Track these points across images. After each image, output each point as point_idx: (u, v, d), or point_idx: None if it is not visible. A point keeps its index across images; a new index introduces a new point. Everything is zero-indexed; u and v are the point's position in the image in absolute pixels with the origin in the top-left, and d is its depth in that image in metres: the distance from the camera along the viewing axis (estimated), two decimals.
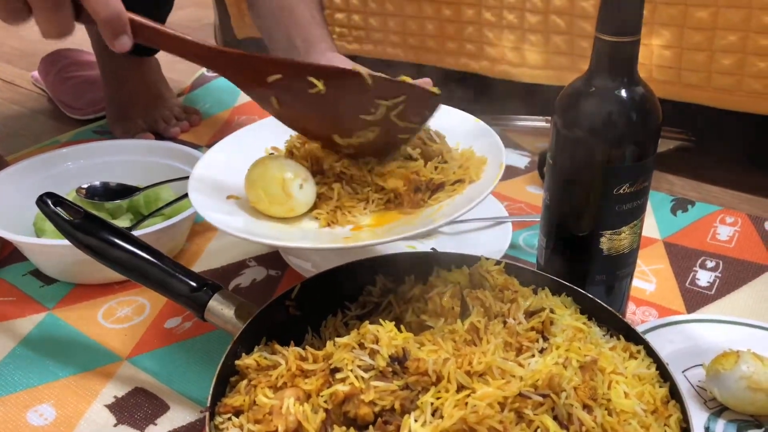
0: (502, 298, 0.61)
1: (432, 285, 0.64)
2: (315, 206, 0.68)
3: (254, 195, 0.67)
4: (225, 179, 0.71)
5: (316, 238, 0.65)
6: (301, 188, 0.66)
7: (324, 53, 0.93)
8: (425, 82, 0.85)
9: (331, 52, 0.93)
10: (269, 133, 0.76)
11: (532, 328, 0.57)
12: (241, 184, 0.69)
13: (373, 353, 0.52)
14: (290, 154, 0.73)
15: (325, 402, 0.50)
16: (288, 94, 0.64)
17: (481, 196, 0.63)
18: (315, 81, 0.61)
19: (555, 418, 0.49)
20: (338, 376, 0.51)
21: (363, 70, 0.62)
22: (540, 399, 0.49)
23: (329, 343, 0.55)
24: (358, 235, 0.64)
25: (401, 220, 0.65)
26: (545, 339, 0.57)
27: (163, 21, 1.23)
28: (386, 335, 0.53)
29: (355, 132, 0.65)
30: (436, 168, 0.68)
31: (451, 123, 0.76)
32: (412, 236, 0.62)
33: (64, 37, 0.60)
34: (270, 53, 1.00)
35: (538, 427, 0.48)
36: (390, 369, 0.51)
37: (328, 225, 0.67)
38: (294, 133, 0.74)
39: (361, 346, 0.53)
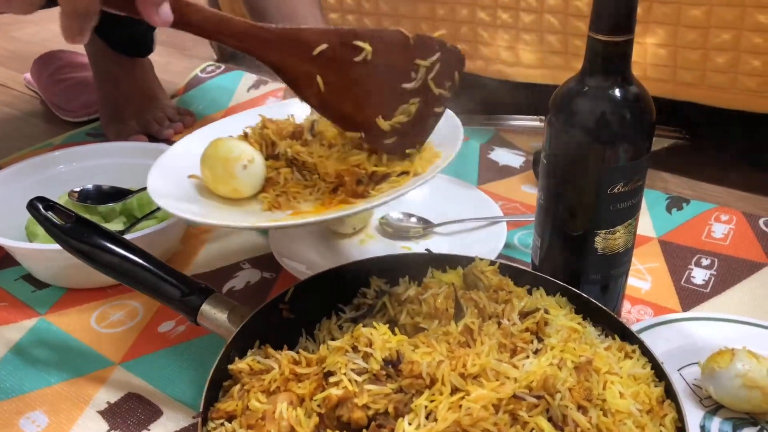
0: (496, 299, 0.61)
1: (426, 286, 0.63)
2: (263, 190, 0.69)
3: (203, 174, 0.69)
4: (189, 164, 0.71)
5: (249, 218, 0.66)
6: (245, 168, 0.67)
7: None
8: None
9: None
10: (242, 126, 0.77)
11: (527, 329, 0.57)
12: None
13: (366, 356, 0.52)
14: (244, 136, 0.73)
15: (319, 406, 0.50)
16: (333, 67, 0.61)
17: (417, 184, 0.63)
18: (362, 44, 0.60)
19: (550, 419, 0.49)
20: (331, 379, 0.51)
21: None
22: (534, 401, 0.48)
23: (323, 347, 0.55)
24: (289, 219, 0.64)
25: (342, 208, 0.64)
26: (540, 340, 0.57)
27: (153, 27, 1.22)
28: (380, 338, 0.53)
29: (397, 108, 0.64)
30: (381, 159, 0.67)
31: None
32: (331, 219, 0.64)
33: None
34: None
35: (533, 429, 0.48)
36: (384, 372, 0.51)
37: (270, 209, 0.67)
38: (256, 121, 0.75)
39: (355, 349, 0.52)
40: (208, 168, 0.68)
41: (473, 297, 0.59)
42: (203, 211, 0.66)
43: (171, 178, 0.70)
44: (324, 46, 0.60)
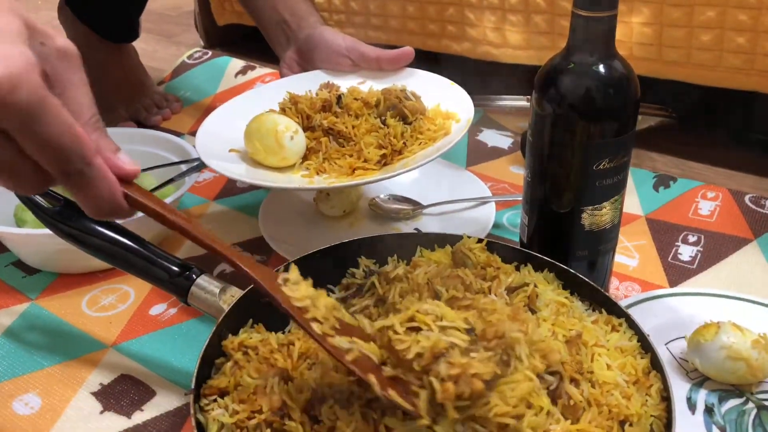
0: (484, 276, 0.61)
1: (415, 264, 0.64)
2: (305, 158, 0.79)
3: (252, 147, 0.77)
4: (227, 136, 0.81)
5: (299, 182, 0.75)
6: (292, 139, 0.76)
7: (315, 27, 0.94)
8: (405, 52, 0.87)
9: (322, 26, 0.95)
10: (267, 98, 0.88)
11: (520, 302, 0.57)
12: (240, 140, 0.80)
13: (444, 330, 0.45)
14: (283, 111, 0.83)
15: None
16: None
17: (450, 145, 0.74)
18: None
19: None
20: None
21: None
22: (552, 379, 0.48)
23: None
24: (339, 179, 0.74)
25: (376, 173, 0.75)
26: (533, 312, 0.57)
27: (141, 8, 1.21)
28: (448, 312, 0.47)
29: None
30: (403, 134, 0.79)
31: (426, 85, 0.87)
32: (382, 179, 0.73)
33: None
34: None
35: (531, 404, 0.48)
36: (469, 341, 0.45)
37: (317, 173, 0.77)
38: (286, 95, 0.87)
39: (417, 329, 0.46)
40: (258, 140, 0.76)
41: (459, 274, 0.59)
42: (267, 178, 0.75)
43: (217, 151, 0.79)
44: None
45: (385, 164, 0.77)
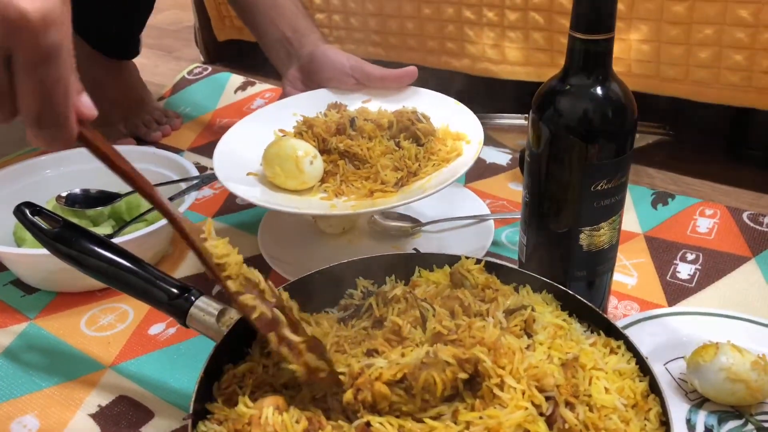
0: (483, 297, 0.61)
1: (414, 284, 0.64)
2: (323, 180, 0.81)
3: (271, 171, 0.79)
4: (243, 158, 0.84)
5: (320, 207, 0.77)
6: (312, 164, 0.79)
7: (318, 45, 0.95)
8: (409, 71, 0.89)
9: (325, 45, 0.97)
10: (276, 117, 0.91)
11: (516, 326, 0.57)
12: (256, 162, 0.82)
13: None
14: (300, 135, 0.85)
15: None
16: None
17: (466, 167, 0.78)
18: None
19: (540, 415, 0.49)
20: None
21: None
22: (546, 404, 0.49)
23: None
24: (360, 204, 0.76)
25: (395, 196, 0.77)
26: (529, 336, 0.57)
27: (143, 24, 1.22)
28: None
29: None
30: (417, 156, 0.82)
31: (432, 105, 0.89)
32: (405, 203, 0.75)
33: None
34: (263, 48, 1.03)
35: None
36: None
37: (336, 195, 0.79)
38: (299, 117, 0.89)
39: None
40: (278, 165, 0.78)
41: (459, 296, 0.60)
42: (286, 203, 0.77)
43: (236, 175, 0.80)
44: None
45: (401, 185, 0.79)
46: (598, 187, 0.64)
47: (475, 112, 0.87)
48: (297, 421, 0.49)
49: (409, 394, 0.50)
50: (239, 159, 0.83)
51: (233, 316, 0.60)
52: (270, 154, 0.79)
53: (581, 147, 0.63)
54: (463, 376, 0.50)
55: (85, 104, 0.45)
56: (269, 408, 0.49)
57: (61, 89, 0.41)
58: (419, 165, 0.81)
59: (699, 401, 0.66)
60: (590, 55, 0.62)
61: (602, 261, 0.69)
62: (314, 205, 0.78)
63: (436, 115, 0.87)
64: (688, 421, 0.64)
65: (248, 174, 0.82)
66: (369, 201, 0.77)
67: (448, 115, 0.87)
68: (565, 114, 0.63)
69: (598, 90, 0.62)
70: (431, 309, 0.58)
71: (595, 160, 0.63)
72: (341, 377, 0.52)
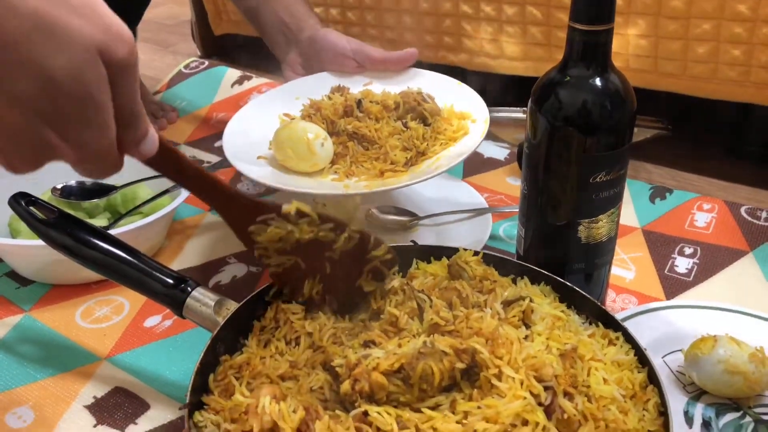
0: (481, 289, 0.61)
1: (412, 276, 0.64)
2: (333, 162, 0.81)
3: (283, 154, 0.79)
4: (250, 142, 0.84)
5: (334, 188, 0.77)
6: (323, 146, 0.79)
7: (317, 29, 0.95)
8: (410, 53, 0.89)
9: (324, 28, 0.96)
10: (279, 102, 0.91)
11: (514, 316, 0.57)
12: (263, 146, 0.83)
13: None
14: (309, 118, 0.86)
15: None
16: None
17: (475, 145, 0.78)
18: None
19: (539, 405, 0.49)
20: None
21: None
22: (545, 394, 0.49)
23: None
24: (373, 184, 0.76)
25: (406, 175, 0.78)
26: (527, 327, 0.57)
27: (139, 18, 1.21)
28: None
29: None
30: (425, 136, 0.82)
31: (435, 86, 0.89)
32: (417, 182, 0.75)
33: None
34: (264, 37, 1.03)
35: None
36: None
37: (347, 176, 0.79)
38: (303, 101, 0.90)
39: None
40: (290, 148, 0.78)
41: (456, 287, 0.59)
42: (299, 184, 0.77)
43: (246, 159, 0.80)
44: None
45: (411, 165, 0.79)
46: (597, 179, 0.64)
47: None
48: (294, 411, 0.48)
49: (406, 384, 0.49)
50: (247, 144, 0.83)
51: (230, 307, 0.60)
52: (281, 137, 0.79)
53: (580, 138, 0.63)
54: (460, 365, 0.50)
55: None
56: (266, 397, 0.49)
57: (133, 105, 0.45)
58: (427, 144, 0.82)
59: (697, 394, 0.66)
60: (590, 46, 0.61)
61: (601, 254, 0.69)
62: (327, 186, 0.78)
63: (439, 95, 0.88)
64: (686, 413, 0.64)
65: (258, 158, 0.82)
66: (380, 181, 0.77)
67: (451, 95, 0.88)
68: (564, 105, 0.63)
69: (598, 81, 0.62)
70: (428, 300, 0.58)
71: (594, 151, 0.63)
72: (338, 369, 0.52)
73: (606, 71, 0.62)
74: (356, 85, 0.94)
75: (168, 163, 0.54)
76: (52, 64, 0.40)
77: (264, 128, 0.84)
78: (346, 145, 0.83)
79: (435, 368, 0.49)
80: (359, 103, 0.86)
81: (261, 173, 0.78)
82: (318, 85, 0.93)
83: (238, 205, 0.58)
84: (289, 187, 0.76)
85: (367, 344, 0.55)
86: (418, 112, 0.85)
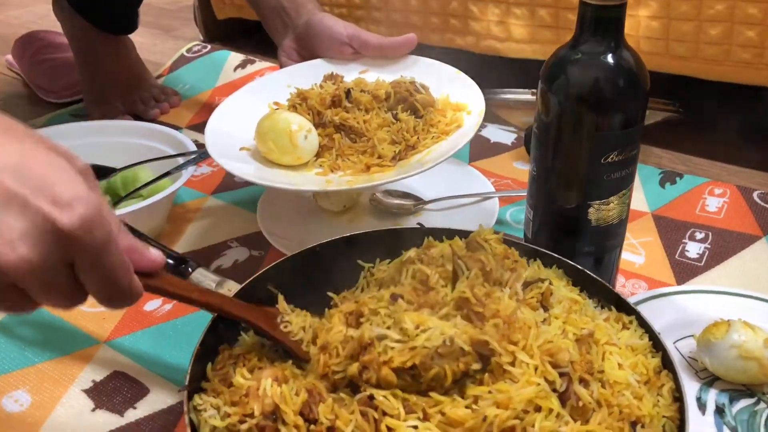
0: (502, 266, 0.59)
1: (430, 245, 0.62)
2: (318, 155, 0.78)
3: (265, 147, 0.76)
4: (235, 132, 0.80)
5: (315, 183, 0.74)
6: (306, 139, 0.75)
7: (314, 13, 0.92)
8: (408, 39, 0.86)
9: (321, 13, 0.93)
10: (270, 89, 0.87)
11: (532, 298, 0.55)
12: (249, 136, 0.79)
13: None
14: (294, 108, 0.82)
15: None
16: None
17: (466, 139, 0.75)
18: None
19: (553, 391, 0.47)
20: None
21: None
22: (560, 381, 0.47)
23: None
24: (357, 179, 0.73)
25: (392, 171, 0.74)
26: (545, 309, 0.55)
27: (140, 0, 1.19)
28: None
29: None
30: (416, 129, 0.78)
31: (432, 75, 0.86)
32: (402, 178, 0.72)
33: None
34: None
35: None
36: None
37: (332, 170, 0.76)
38: (294, 89, 0.85)
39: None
40: (272, 141, 0.75)
41: (481, 258, 0.57)
42: (281, 179, 0.74)
43: (227, 150, 0.77)
44: None
45: (399, 159, 0.76)
46: (609, 159, 0.62)
47: (480, 88, 0.85)
48: (296, 393, 0.47)
49: (416, 381, 0.48)
50: (233, 134, 0.80)
51: (231, 288, 0.59)
52: (263, 129, 0.76)
53: (592, 117, 0.61)
54: (476, 366, 0.48)
55: (151, 258, 0.48)
56: (268, 380, 0.47)
57: (120, 271, 0.43)
58: (418, 138, 0.78)
59: (709, 380, 0.64)
60: (602, 22, 0.60)
61: (611, 236, 0.68)
62: (310, 180, 0.75)
63: (435, 84, 0.84)
64: (699, 399, 0.63)
65: (241, 149, 0.79)
66: (366, 176, 0.74)
67: (449, 85, 0.84)
68: (576, 83, 0.61)
69: (610, 58, 0.60)
70: (466, 270, 0.56)
71: (607, 130, 0.61)
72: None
73: (619, 47, 0.60)
74: (351, 73, 0.90)
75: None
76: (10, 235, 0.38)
77: (252, 117, 0.80)
78: (332, 137, 0.79)
79: (449, 371, 0.47)
80: (348, 92, 0.82)
81: (242, 168, 0.75)
82: (312, 73, 0.89)
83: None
84: (268, 182, 0.73)
85: (395, 298, 0.54)
86: (409, 103, 0.80)
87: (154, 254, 0.48)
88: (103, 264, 0.41)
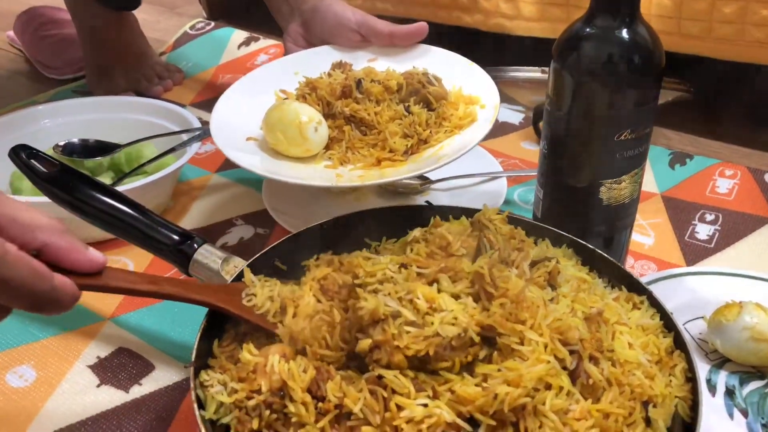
0: (509, 245, 0.58)
1: (437, 224, 0.61)
2: (328, 147, 0.76)
3: (273, 138, 0.74)
4: (241, 121, 0.78)
5: (328, 178, 0.72)
6: (316, 131, 0.73)
7: None
8: (419, 28, 0.84)
9: None
10: (277, 77, 0.84)
11: (539, 276, 0.55)
12: (255, 125, 0.77)
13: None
14: (303, 98, 0.79)
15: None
16: None
17: (481, 135, 0.72)
18: None
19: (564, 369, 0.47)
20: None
21: None
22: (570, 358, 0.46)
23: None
24: (368, 175, 0.71)
25: (404, 166, 0.72)
26: (553, 288, 0.54)
27: None
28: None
29: None
30: (428, 122, 0.76)
31: (444, 65, 0.83)
32: (415, 174, 0.71)
33: None
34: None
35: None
36: None
37: (342, 164, 0.74)
38: (301, 77, 0.83)
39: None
40: (281, 132, 0.73)
41: (491, 238, 0.56)
42: (289, 172, 0.72)
43: (234, 140, 0.76)
44: None
45: (411, 153, 0.74)
46: (622, 137, 0.61)
47: (487, 65, 0.83)
48: (304, 370, 0.46)
49: (423, 364, 0.47)
50: (238, 122, 0.78)
51: (237, 264, 0.58)
52: (272, 120, 0.73)
53: (606, 93, 0.60)
54: (482, 354, 0.48)
55: (90, 258, 0.48)
56: (275, 356, 0.46)
57: (29, 279, 0.43)
58: (430, 132, 0.75)
59: (720, 361, 0.64)
60: None
61: (622, 216, 0.67)
62: (318, 174, 0.73)
63: (447, 76, 0.81)
64: (709, 381, 0.62)
65: (248, 139, 0.76)
66: (376, 170, 0.72)
67: (461, 76, 0.82)
68: (589, 58, 0.60)
69: (624, 33, 0.59)
70: (490, 248, 0.55)
71: (620, 107, 0.60)
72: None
73: (634, 22, 0.59)
74: (360, 61, 0.87)
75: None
76: None
77: (258, 105, 0.78)
78: (342, 129, 0.77)
79: (457, 362, 0.47)
80: (359, 83, 0.79)
81: (248, 159, 0.73)
82: (319, 60, 0.87)
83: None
84: (277, 176, 0.70)
85: (404, 266, 0.53)
86: (422, 95, 0.78)
87: (94, 254, 0.48)
88: (5, 275, 0.41)
